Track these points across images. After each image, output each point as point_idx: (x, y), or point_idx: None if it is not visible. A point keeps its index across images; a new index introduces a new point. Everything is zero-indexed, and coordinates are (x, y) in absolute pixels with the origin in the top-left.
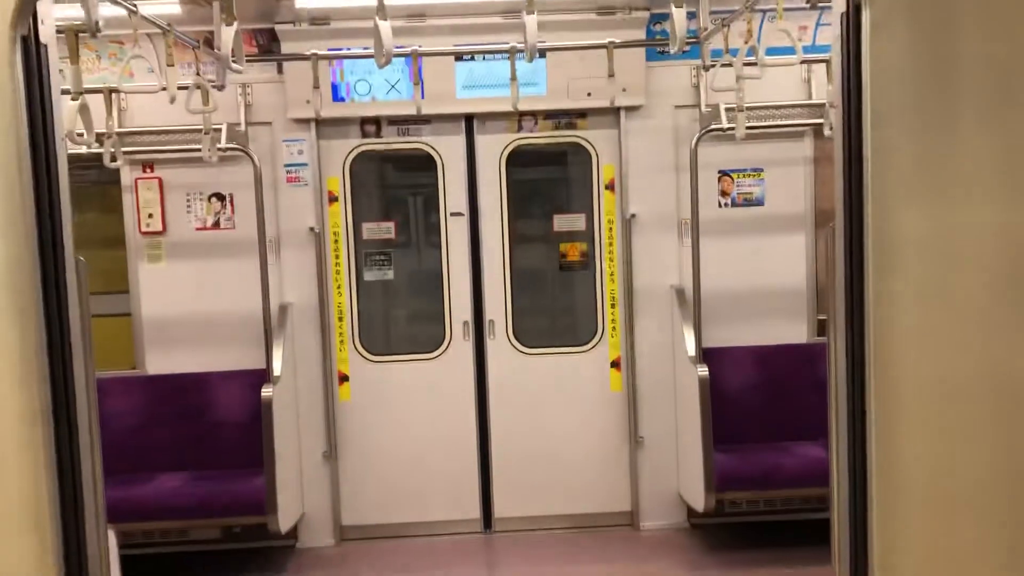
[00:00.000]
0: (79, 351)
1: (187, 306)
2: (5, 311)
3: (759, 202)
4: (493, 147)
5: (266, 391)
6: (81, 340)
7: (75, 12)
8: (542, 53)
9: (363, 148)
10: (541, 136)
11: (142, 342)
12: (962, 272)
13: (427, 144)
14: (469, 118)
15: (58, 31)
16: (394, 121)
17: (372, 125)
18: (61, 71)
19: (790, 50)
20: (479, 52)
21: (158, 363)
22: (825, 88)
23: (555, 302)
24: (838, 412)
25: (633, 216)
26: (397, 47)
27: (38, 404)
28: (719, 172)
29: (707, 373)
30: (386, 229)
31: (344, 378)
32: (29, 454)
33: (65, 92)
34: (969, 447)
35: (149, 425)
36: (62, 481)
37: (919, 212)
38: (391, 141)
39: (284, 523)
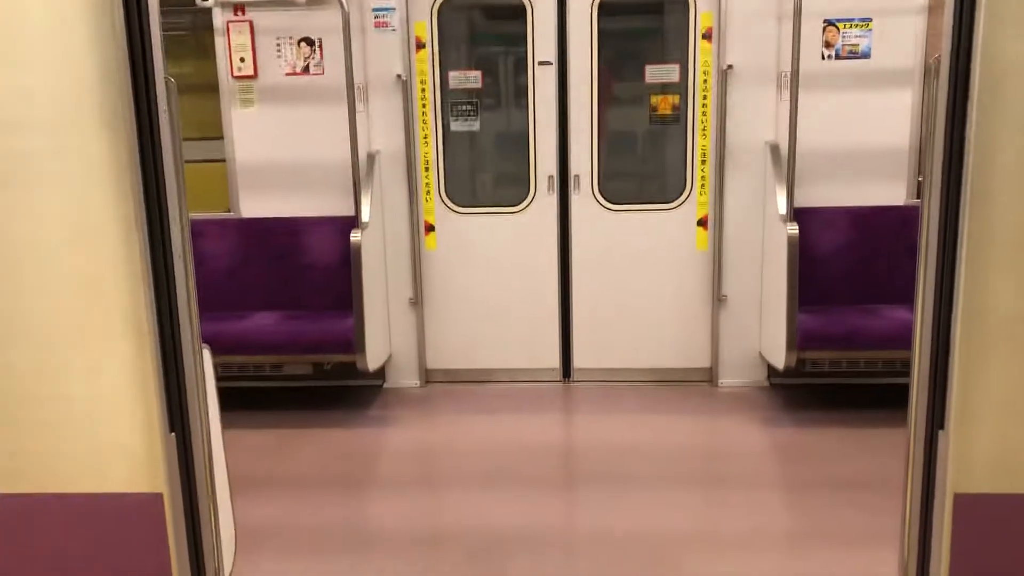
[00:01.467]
0: (170, 162)
1: (278, 152)
2: (96, 124)
3: (865, 54)
4: None
5: (355, 236)
6: (172, 154)
7: None
8: None
9: None
10: None
11: (236, 186)
12: None
13: None
14: None
15: None
16: None
17: None
18: None
19: None
20: None
21: (252, 207)
22: None
23: (644, 157)
24: (927, 253)
25: (730, 67)
26: None
27: (132, 214)
28: (824, 21)
29: (797, 232)
30: (473, 79)
31: (430, 228)
32: (126, 265)
33: None
34: None
35: (244, 266)
36: (158, 293)
37: None
38: None
39: (372, 362)
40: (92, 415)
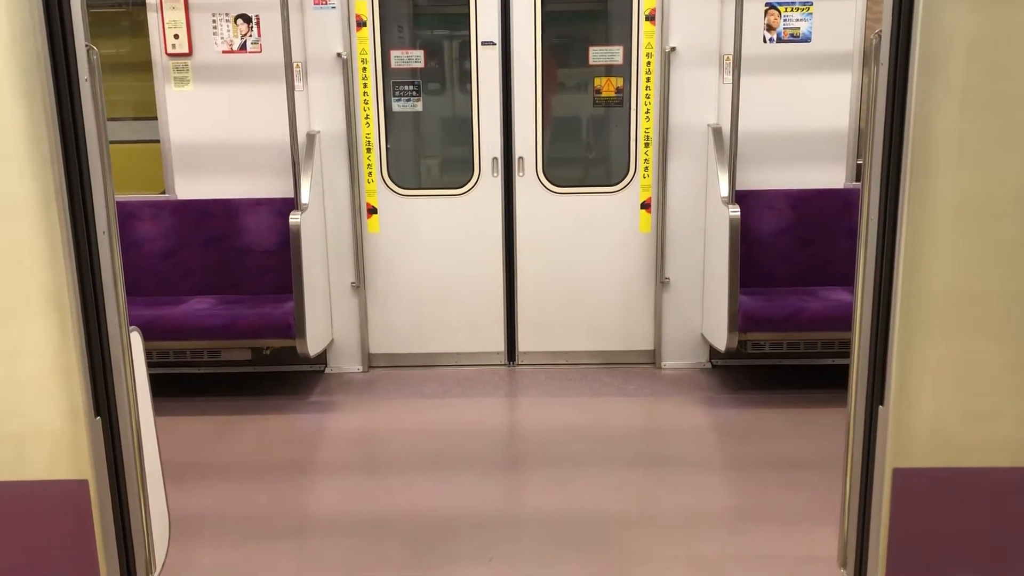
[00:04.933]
0: (92, 133)
1: (215, 132)
2: (9, 92)
3: (806, 38)
4: None
5: (294, 218)
6: (95, 126)
7: None
8: None
9: None
10: None
11: (171, 167)
12: (1012, 80)
13: None
14: None
15: None
16: None
17: None
18: None
19: None
20: None
21: (188, 189)
22: None
23: (588, 140)
24: (867, 230)
25: (673, 50)
26: None
27: (52, 189)
28: (766, 4)
29: (738, 214)
30: (415, 58)
31: (372, 210)
32: (46, 240)
33: None
34: (998, 271)
35: (180, 249)
36: (80, 270)
37: (971, 13)
38: None
39: (313, 347)
40: (12, 398)
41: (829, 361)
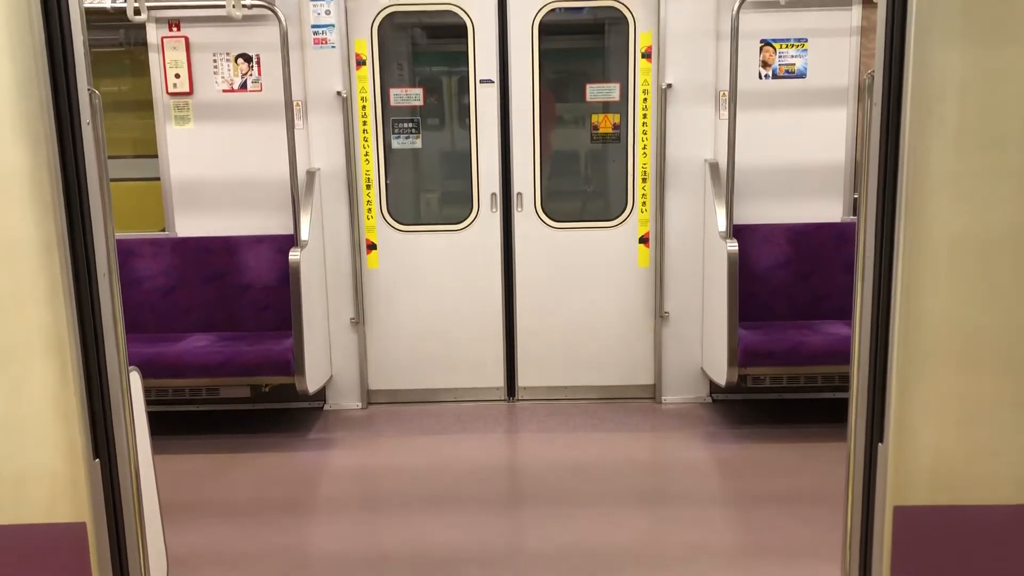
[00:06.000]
0: (94, 176)
1: (215, 170)
2: (13, 135)
3: (801, 74)
4: (526, 11)
5: (294, 254)
6: (96, 169)
7: None
8: None
9: (391, 9)
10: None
11: (171, 205)
12: (1004, 118)
13: (457, 6)
14: None
15: None
16: None
17: None
18: None
19: None
20: None
21: (188, 226)
22: None
23: (586, 175)
24: (864, 267)
25: (669, 86)
26: None
27: (53, 233)
28: (761, 41)
29: (736, 248)
30: (414, 96)
31: (372, 246)
32: (47, 282)
33: None
34: (995, 307)
35: (179, 287)
36: (81, 312)
37: (963, 54)
38: (420, 2)
39: (312, 384)
40: (10, 440)
41: (829, 395)
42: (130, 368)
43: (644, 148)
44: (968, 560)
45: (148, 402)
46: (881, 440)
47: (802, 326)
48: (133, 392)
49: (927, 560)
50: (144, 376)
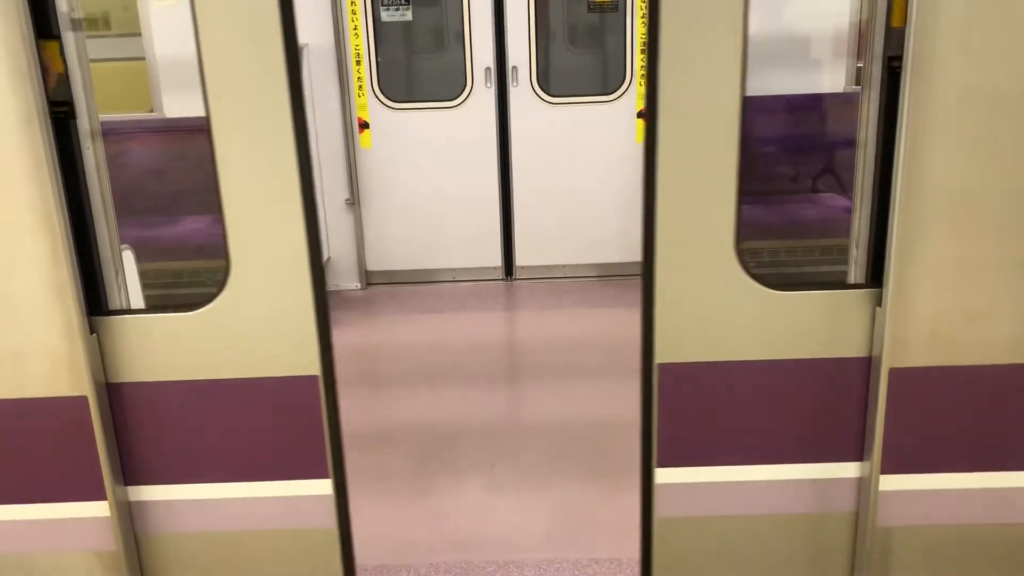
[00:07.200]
0: (76, 72)
1: None
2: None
3: None
4: None
5: None
6: (76, 55)
7: None
8: None
9: None
10: None
11: (158, 85)
12: None
13: None
14: None
15: None
16: None
17: None
18: None
19: None
20: None
21: (175, 107)
22: None
23: (582, 48)
24: (867, 118)
25: None
26: None
27: (34, 103)
28: None
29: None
30: None
31: (364, 125)
32: (29, 157)
33: None
34: (998, 170)
35: (171, 170)
36: (68, 188)
37: None
38: None
39: None
40: (6, 316)
41: (827, 268)
42: (124, 247)
43: (643, 17)
44: (960, 418)
45: (145, 285)
46: (879, 305)
47: (803, 199)
48: (127, 270)
49: (921, 419)
50: (141, 259)
